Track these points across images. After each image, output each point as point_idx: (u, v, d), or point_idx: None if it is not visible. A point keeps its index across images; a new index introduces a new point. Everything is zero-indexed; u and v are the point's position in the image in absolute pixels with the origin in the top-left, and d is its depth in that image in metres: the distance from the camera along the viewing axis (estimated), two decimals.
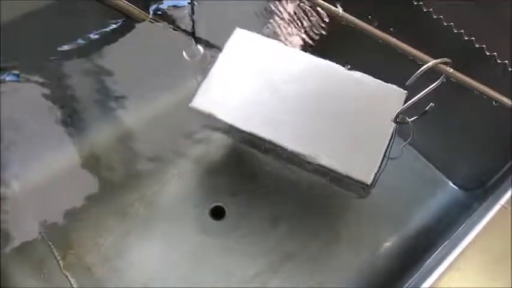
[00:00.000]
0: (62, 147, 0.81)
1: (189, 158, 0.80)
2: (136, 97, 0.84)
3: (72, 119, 0.83)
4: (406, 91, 0.67)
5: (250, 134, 0.67)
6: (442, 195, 0.81)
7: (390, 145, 0.66)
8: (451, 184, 0.82)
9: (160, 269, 0.73)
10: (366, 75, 0.71)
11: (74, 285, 0.69)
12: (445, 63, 0.55)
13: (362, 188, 0.69)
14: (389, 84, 0.68)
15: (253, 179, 0.80)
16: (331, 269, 0.74)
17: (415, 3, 0.77)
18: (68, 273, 0.71)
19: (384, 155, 0.65)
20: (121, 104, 0.84)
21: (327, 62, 0.71)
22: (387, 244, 0.76)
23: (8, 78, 0.84)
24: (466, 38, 0.76)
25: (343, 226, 0.77)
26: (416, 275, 0.55)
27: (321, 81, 0.69)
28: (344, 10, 0.64)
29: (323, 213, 0.77)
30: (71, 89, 0.85)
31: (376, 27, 0.59)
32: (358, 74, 0.71)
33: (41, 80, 0.85)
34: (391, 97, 0.67)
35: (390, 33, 0.61)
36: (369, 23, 0.60)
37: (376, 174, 0.65)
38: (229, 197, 0.78)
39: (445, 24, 0.76)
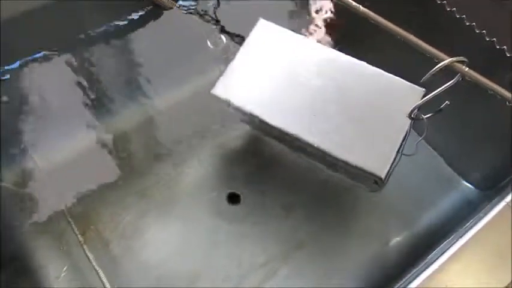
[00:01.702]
0: (88, 127, 0.84)
1: (209, 144, 0.82)
2: (161, 82, 0.86)
3: (98, 101, 0.85)
4: (424, 89, 0.68)
5: (267, 124, 0.68)
6: (455, 194, 0.81)
7: (405, 141, 0.67)
8: (465, 183, 0.82)
9: (174, 250, 0.75)
10: (386, 72, 0.72)
11: (92, 260, 0.72)
12: (461, 62, 0.56)
13: (375, 182, 0.70)
14: (407, 82, 0.69)
15: (270, 168, 0.81)
16: (340, 260, 0.75)
17: (439, 2, 0.78)
18: (86, 248, 0.74)
19: (398, 151, 0.66)
20: (145, 89, 0.86)
21: (348, 56, 0.72)
22: (397, 239, 0.77)
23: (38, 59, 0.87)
24: (487, 39, 0.76)
25: (354, 219, 0.78)
26: (418, 267, 0.56)
27: (341, 75, 0.70)
28: (366, 6, 0.66)
29: (335, 205, 0.79)
30: (99, 73, 0.88)
31: (395, 24, 0.60)
32: (378, 70, 0.72)
33: (70, 62, 0.88)
34: (409, 94, 0.68)
35: (409, 31, 0.62)
36: (388, 19, 0.61)
37: (389, 168, 0.66)
38: (246, 184, 0.80)
39: (467, 24, 0.76)
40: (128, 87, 0.87)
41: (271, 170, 0.81)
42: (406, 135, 0.65)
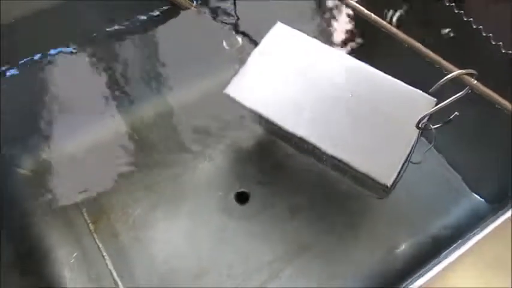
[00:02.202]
0: (107, 119, 0.86)
1: (222, 143, 0.84)
2: (176, 80, 0.88)
3: (118, 95, 0.88)
4: (435, 99, 0.68)
5: (275, 125, 0.69)
6: (464, 205, 0.81)
7: (413, 150, 0.67)
8: (474, 195, 0.82)
9: (182, 245, 0.76)
10: (399, 80, 0.72)
11: (101, 249, 0.74)
12: (470, 75, 0.56)
13: (382, 190, 0.70)
14: (419, 91, 0.69)
15: (280, 169, 0.82)
16: (345, 264, 0.76)
17: (456, 12, 0.78)
18: (96, 237, 0.76)
19: (406, 159, 0.66)
20: (161, 85, 0.88)
21: (362, 63, 0.73)
22: (402, 247, 0.77)
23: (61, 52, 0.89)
24: (503, 51, 0.75)
25: (360, 224, 0.79)
26: (415, 276, 0.56)
27: (354, 81, 0.70)
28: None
29: (343, 209, 0.79)
30: (120, 67, 0.90)
31: (405, 33, 0.60)
32: (391, 78, 0.72)
33: (92, 56, 0.90)
34: (420, 103, 0.68)
35: (422, 41, 0.62)
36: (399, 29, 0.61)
37: (396, 177, 0.66)
38: (255, 184, 0.81)
39: (484, 34, 0.76)
40: (146, 82, 0.89)
41: (281, 171, 0.82)
42: (414, 144, 0.66)
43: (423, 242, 0.77)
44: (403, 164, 0.66)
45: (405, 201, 0.81)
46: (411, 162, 0.69)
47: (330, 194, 0.79)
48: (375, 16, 0.59)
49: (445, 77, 0.56)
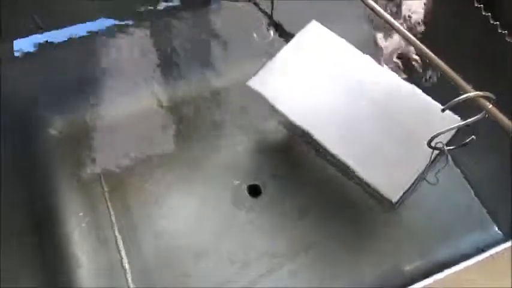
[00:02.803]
0: (146, 92, 0.89)
1: (244, 135, 0.85)
2: (206, 66, 0.90)
3: (162, 70, 0.91)
4: (460, 118, 0.67)
5: (293, 124, 0.70)
6: (479, 234, 0.80)
7: (428, 168, 0.66)
8: (494, 225, 0.80)
9: (189, 225, 0.78)
10: (426, 95, 0.71)
11: (112, 217, 0.77)
12: (487, 98, 0.54)
13: (388, 204, 0.70)
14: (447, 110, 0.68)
15: (296, 169, 0.83)
16: (345, 271, 0.76)
17: (499, 31, 0.76)
18: (109, 205, 0.79)
19: (418, 177, 0.65)
20: (193, 69, 0.91)
21: (391, 73, 0.72)
22: (407, 267, 0.76)
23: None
24: None
25: (368, 236, 0.79)
26: None
27: (379, 91, 0.70)
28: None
29: (353, 218, 0.79)
30: (167, 45, 0.93)
31: (428, 48, 0.59)
32: (418, 92, 0.71)
33: (145, 29, 0.93)
34: (444, 121, 0.67)
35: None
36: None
37: (404, 194, 0.65)
38: (269, 179, 0.82)
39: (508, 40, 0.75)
40: (191, 62, 0.91)
41: (297, 170, 0.83)
42: (429, 163, 0.64)
43: (429, 266, 0.76)
44: (415, 182, 0.65)
45: (419, 219, 0.80)
46: (427, 181, 0.68)
47: (341, 199, 0.80)
48: (398, 24, 0.58)
49: (458, 98, 0.55)
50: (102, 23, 0.92)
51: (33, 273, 0.72)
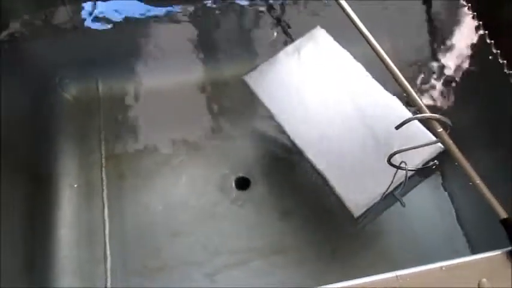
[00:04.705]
0: (180, 72, 0.92)
1: (243, 127, 0.87)
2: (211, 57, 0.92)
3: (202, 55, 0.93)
4: (442, 147, 0.66)
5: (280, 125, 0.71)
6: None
7: (401, 188, 0.65)
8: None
9: (173, 205, 0.81)
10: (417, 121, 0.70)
11: (104, 182, 0.81)
12: (443, 124, 0.52)
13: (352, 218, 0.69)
14: (430, 134, 0.67)
15: (290, 169, 0.83)
16: (310, 279, 0.76)
17: (506, 72, 0.74)
18: (103, 170, 0.83)
19: (384, 196, 0.65)
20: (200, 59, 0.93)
21: (385, 91, 0.72)
22: None
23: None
24: None
25: (341, 247, 0.78)
26: None
27: (369, 105, 0.70)
28: None
29: (330, 226, 0.79)
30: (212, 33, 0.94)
31: None
32: (409, 114, 0.71)
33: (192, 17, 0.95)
34: (423, 141, 0.66)
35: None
36: None
37: (367, 211, 0.65)
38: (260, 175, 0.83)
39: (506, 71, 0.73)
40: (228, 51, 0.92)
41: (289, 172, 0.83)
42: (403, 182, 0.64)
43: None
44: (381, 200, 0.64)
45: (398, 240, 0.79)
46: (400, 201, 0.67)
47: (324, 207, 0.79)
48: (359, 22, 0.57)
49: (412, 117, 0.54)
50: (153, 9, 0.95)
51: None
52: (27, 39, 0.86)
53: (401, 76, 0.54)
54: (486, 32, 0.80)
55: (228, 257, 0.77)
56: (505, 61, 0.75)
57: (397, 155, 0.61)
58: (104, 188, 0.82)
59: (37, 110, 0.85)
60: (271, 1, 0.85)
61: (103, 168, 0.83)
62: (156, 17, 0.89)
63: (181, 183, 0.83)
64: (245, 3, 0.88)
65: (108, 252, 0.78)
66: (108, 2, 0.88)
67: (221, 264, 0.77)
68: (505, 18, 0.78)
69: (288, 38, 0.81)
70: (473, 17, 0.83)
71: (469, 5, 0.83)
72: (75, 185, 0.82)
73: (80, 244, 0.79)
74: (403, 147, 0.58)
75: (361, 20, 0.60)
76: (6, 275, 0.67)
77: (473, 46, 0.84)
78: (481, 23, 0.82)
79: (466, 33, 0.85)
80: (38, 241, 0.77)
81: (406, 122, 0.53)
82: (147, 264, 0.76)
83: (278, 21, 0.83)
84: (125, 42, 0.92)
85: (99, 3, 0.88)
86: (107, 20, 0.88)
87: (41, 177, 0.81)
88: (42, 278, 0.75)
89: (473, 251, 0.78)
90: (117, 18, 0.88)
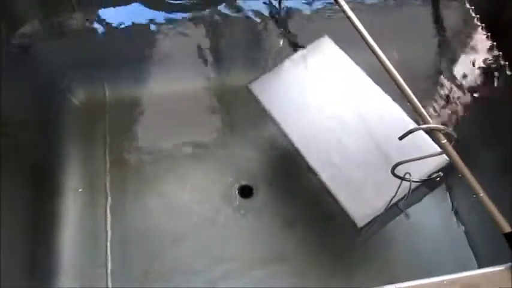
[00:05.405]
0: (185, 78, 0.92)
1: (249, 136, 0.88)
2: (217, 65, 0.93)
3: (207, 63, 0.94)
4: (448, 159, 0.65)
5: (285, 135, 0.70)
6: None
7: (404, 199, 0.64)
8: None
9: (174, 212, 0.81)
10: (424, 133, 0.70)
11: (107, 184, 0.82)
12: (447, 135, 0.51)
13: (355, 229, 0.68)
14: (436, 146, 0.66)
15: (293, 178, 0.83)
16: (315, 284, 0.76)
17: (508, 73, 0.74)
18: (108, 175, 0.84)
19: (389, 207, 0.64)
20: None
21: (393, 102, 0.71)
22: None
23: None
24: None
25: (343, 258, 0.78)
26: None
27: (374, 117, 0.69)
28: None
29: (334, 237, 0.79)
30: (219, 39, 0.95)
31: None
32: (410, 120, 0.70)
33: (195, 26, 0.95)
34: (432, 159, 0.65)
35: None
36: None
37: (371, 221, 0.64)
38: (263, 184, 0.84)
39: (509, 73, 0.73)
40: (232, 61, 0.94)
41: (292, 182, 0.83)
42: (406, 195, 0.63)
43: None
44: (386, 211, 0.63)
45: (399, 253, 0.78)
46: (405, 214, 0.66)
47: (327, 217, 0.79)
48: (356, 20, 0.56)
49: (415, 127, 0.53)
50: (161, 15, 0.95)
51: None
52: (37, 43, 0.87)
53: (407, 87, 0.54)
54: (489, 33, 0.80)
55: (229, 264, 0.77)
56: (506, 62, 0.75)
57: (402, 166, 0.60)
58: (108, 192, 0.82)
59: (44, 114, 0.85)
60: (277, 10, 0.85)
61: (107, 173, 0.84)
62: (163, 24, 0.89)
63: (185, 190, 0.83)
64: (251, 12, 0.88)
65: (109, 257, 0.78)
66: (117, 8, 0.89)
67: (222, 272, 0.76)
68: (508, 20, 0.78)
69: (293, 48, 0.81)
70: (476, 19, 0.82)
71: (473, 7, 0.82)
72: (80, 189, 0.82)
73: (82, 248, 0.79)
74: (407, 158, 0.57)
75: (370, 32, 0.60)
76: (8, 276, 0.67)
77: (484, 60, 0.84)
78: (483, 25, 0.82)
79: (475, 46, 0.85)
80: (41, 244, 0.77)
81: (410, 133, 0.53)
82: (147, 269, 0.76)
83: (284, 31, 0.83)
84: (132, 49, 0.93)
85: (108, 9, 0.89)
86: (115, 26, 0.89)
87: (46, 181, 0.81)
88: (44, 280, 0.76)
89: (480, 265, 0.77)
90: (126, 24, 0.89)
